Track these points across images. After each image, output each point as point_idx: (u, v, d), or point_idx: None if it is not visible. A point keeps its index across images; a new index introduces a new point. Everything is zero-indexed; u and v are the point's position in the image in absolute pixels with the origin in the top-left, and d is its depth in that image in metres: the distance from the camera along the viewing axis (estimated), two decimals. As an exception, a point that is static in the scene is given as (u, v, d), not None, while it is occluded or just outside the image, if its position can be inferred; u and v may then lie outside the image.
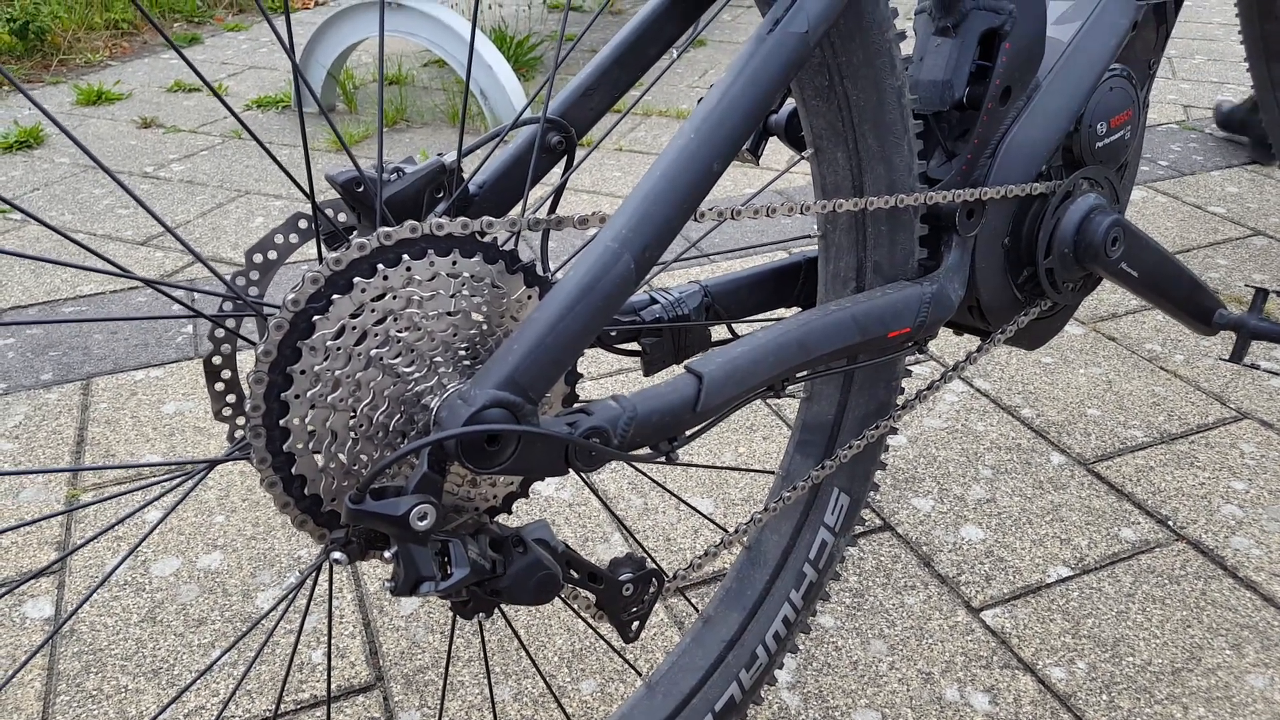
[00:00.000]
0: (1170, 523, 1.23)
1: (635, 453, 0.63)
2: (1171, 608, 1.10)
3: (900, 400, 0.86)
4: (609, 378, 1.57)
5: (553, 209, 0.74)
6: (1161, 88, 3.01)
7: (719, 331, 0.85)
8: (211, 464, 0.60)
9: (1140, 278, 0.91)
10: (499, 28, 3.40)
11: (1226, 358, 0.98)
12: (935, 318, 0.78)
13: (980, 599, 1.12)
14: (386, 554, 0.53)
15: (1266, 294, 0.98)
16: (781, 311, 0.88)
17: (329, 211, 0.63)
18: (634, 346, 0.81)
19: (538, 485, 1.31)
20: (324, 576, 1.15)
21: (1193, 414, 1.44)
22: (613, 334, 0.79)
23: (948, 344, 1.64)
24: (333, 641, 1.07)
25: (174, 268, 1.96)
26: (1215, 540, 1.20)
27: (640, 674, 0.96)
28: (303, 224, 0.62)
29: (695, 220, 0.64)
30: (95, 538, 0.57)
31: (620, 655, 0.89)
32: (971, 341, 1.64)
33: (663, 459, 0.65)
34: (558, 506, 1.27)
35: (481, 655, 0.99)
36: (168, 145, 2.68)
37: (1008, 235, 0.84)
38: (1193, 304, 0.98)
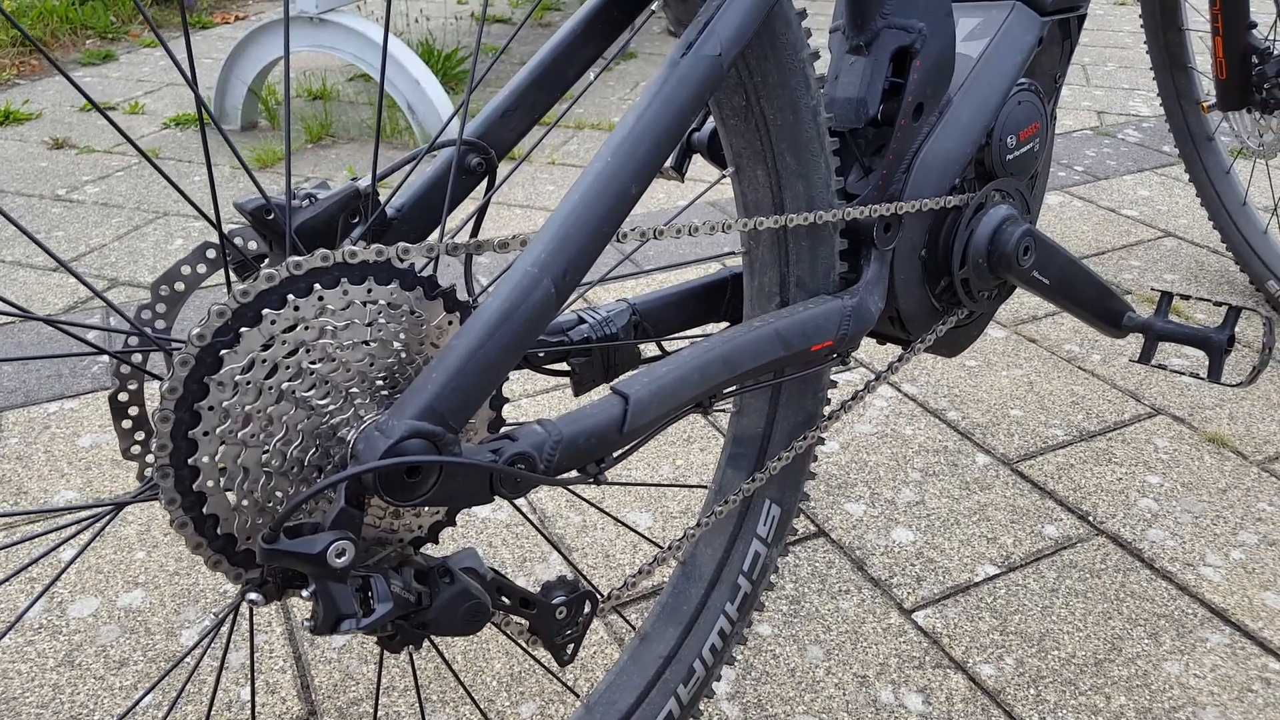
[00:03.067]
0: (1090, 518, 1.27)
1: (563, 476, 0.63)
2: (1093, 601, 1.13)
3: (827, 411, 0.87)
4: (545, 394, 1.56)
5: (475, 231, 0.73)
6: (1075, 95, 3.11)
7: (649, 349, 0.85)
8: (119, 506, 0.58)
9: (1052, 285, 0.94)
10: (426, 41, 3.37)
11: (1136, 359, 1.02)
12: (857, 330, 0.79)
13: (912, 600, 1.14)
14: (305, 593, 0.51)
15: (1171, 297, 1.01)
16: (710, 327, 0.88)
17: (239, 240, 0.62)
18: (563, 367, 0.81)
19: (473, 508, 1.29)
20: (252, 613, 1.12)
21: (1110, 412, 1.49)
22: (541, 355, 0.78)
23: (876, 351, 1.67)
24: (263, 677, 1.04)
25: (88, 294, 1.89)
26: (1133, 533, 1.24)
27: (579, 695, 0.95)
28: (211, 253, 0.60)
29: (618, 241, 0.64)
30: (3, 582, 0.54)
31: (558, 678, 0.89)
32: (895, 350, 1.67)
33: (591, 481, 0.64)
34: (495, 528, 1.26)
35: (414, 686, 0.97)
36: (81, 166, 2.59)
37: (924, 247, 0.86)
38: (1102, 308, 1.02)
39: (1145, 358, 1.01)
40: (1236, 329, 1.66)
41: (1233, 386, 1.07)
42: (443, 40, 3.66)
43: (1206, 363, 0.98)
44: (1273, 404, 1.49)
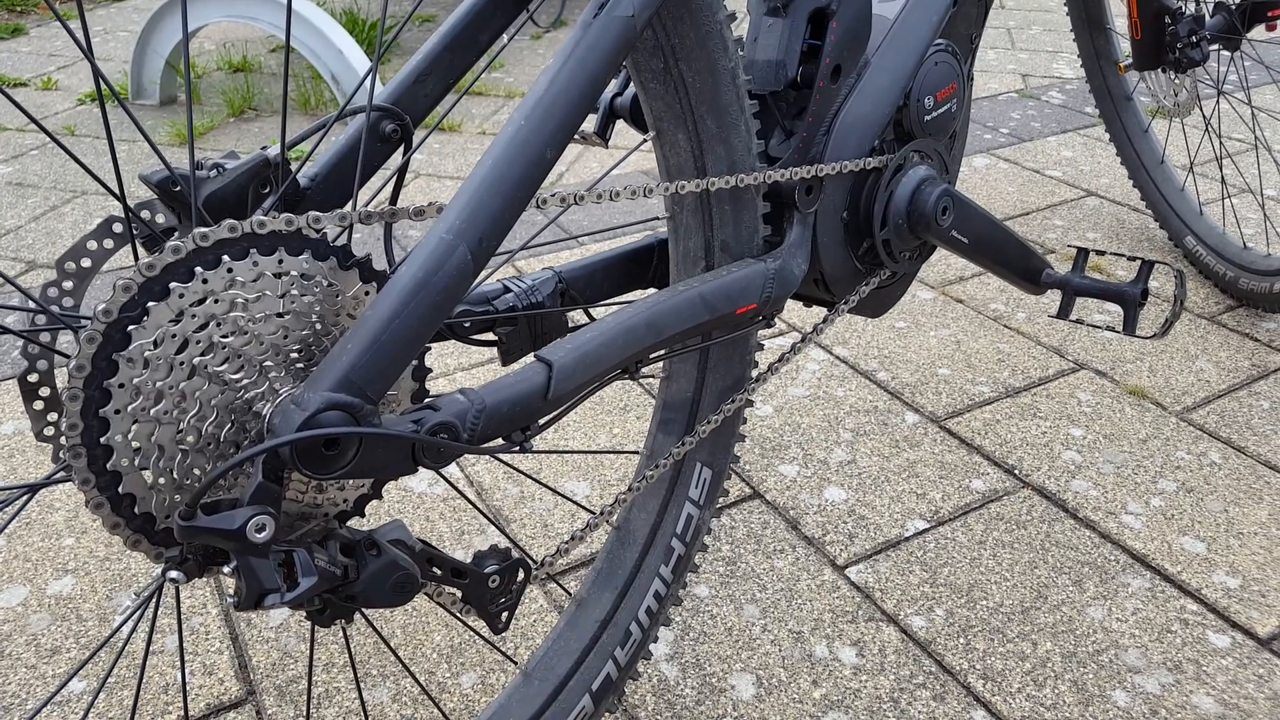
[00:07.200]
0: (1016, 471, 1.31)
1: (488, 445, 0.63)
2: (1020, 551, 1.17)
3: (755, 373, 0.88)
4: (479, 368, 1.55)
5: (394, 198, 0.72)
6: (1000, 58, 3.16)
7: (577, 317, 0.85)
8: (31, 490, 0.56)
9: (971, 244, 0.96)
10: (351, 10, 3.29)
11: (1055, 314, 1.05)
12: (781, 292, 0.80)
13: (845, 557, 1.16)
14: (226, 569, 0.51)
15: (1087, 253, 1.04)
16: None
17: (146, 214, 0.60)
18: (490, 337, 0.81)
19: (408, 482, 1.29)
20: (184, 594, 1.10)
21: (1034, 368, 1.53)
22: (467, 325, 0.78)
23: (809, 315, 1.69)
24: (200, 658, 1.03)
25: None
26: (1057, 485, 1.28)
27: (517, 664, 0.96)
28: (117, 228, 0.59)
29: (539, 206, 0.64)
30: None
31: (496, 647, 0.89)
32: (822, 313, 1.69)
33: (516, 449, 0.65)
34: (431, 502, 1.25)
35: (349, 659, 0.97)
36: (-9, 145, 2.49)
37: (846, 209, 0.87)
38: (1021, 266, 1.04)
39: (1064, 313, 1.04)
40: (1154, 284, 1.71)
41: (1147, 338, 1.10)
42: (367, 9, 3.58)
43: (1123, 316, 1.01)
44: (1190, 356, 1.55)
